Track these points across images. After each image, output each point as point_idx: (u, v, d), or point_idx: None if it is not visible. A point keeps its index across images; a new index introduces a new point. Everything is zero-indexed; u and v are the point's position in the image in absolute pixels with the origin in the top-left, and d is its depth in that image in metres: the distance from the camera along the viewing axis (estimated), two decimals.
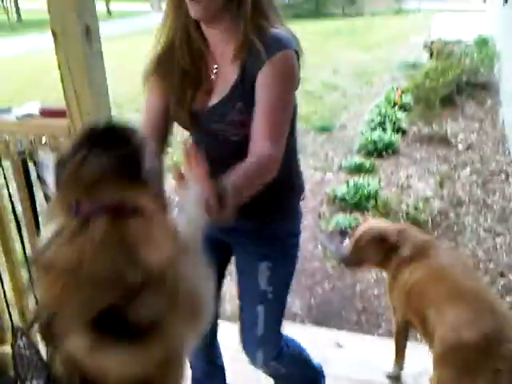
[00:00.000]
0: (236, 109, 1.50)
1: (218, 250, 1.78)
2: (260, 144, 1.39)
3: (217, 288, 1.89)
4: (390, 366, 2.49)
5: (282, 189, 1.62)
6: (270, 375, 1.99)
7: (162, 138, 1.63)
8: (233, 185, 1.23)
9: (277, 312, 1.83)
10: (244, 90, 1.49)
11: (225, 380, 2.19)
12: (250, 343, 1.85)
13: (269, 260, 1.71)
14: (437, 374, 1.96)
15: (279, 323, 1.85)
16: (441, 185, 4.85)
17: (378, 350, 2.69)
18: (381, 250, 2.37)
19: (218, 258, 1.81)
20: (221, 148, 1.57)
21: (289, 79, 1.47)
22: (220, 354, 2.15)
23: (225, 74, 1.54)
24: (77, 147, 1.04)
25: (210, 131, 1.57)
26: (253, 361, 1.87)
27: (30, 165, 1.91)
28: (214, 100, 1.54)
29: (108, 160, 1.01)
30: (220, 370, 2.16)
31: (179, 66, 1.54)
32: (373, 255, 2.43)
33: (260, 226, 1.68)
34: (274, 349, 1.86)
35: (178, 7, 1.51)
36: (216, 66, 1.55)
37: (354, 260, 2.53)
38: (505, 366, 1.76)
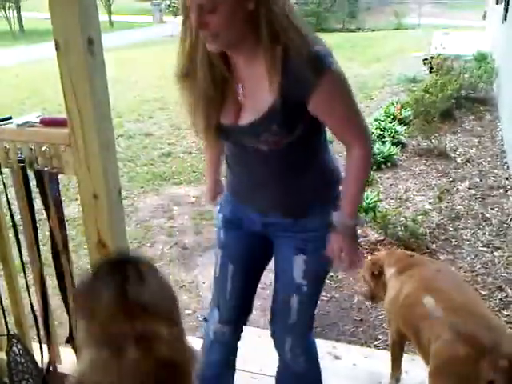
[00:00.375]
0: (271, 131, 1.53)
1: (261, 245, 1.87)
2: (354, 149, 1.61)
3: (254, 283, 1.97)
4: (386, 378, 2.48)
5: (318, 185, 1.71)
6: (287, 368, 2.00)
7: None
8: (352, 203, 1.67)
9: (309, 305, 1.89)
10: (282, 113, 1.50)
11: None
12: (280, 330, 1.92)
13: (305, 253, 1.75)
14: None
15: (311, 316, 1.93)
16: (439, 198, 4.86)
17: (375, 362, 2.68)
18: (374, 274, 2.57)
19: (260, 253, 1.91)
20: (250, 156, 1.66)
21: (345, 91, 1.55)
22: (236, 354, 2.17)
23: (254, 95, 1.54)
24: (100, 280, 1.14)
25: (239, 143, 1.65)
26: (280, 346, 1.94)
27: (30, 173, 1.93)
28: (246, 120, 1.56)
29: (131, 295, 1.10)
30: (232, 371, 2.18)
31: (202, 90, 1.55)
32: (372, 282, 2.61)
33: (297, 220, 1.73)
34: (303, 338, 1.93)
35: (195, 36, 1.50)
36: (242, 86, 1.56)
37: (369, 294, 2.70)
38: (499, 377, 1.76)
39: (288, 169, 1.66)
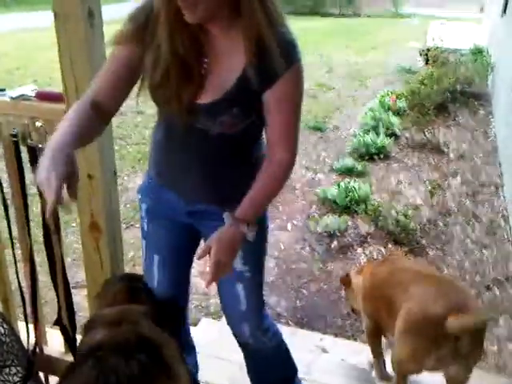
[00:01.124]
0: (231, 113, 1.46)
1: (187, 234, 1.80)
2: (279, 156, 1.52)
3: (183, 273, 1.91)
4: (372, 371, 2.47)
5: (250, 177, 1.56)
6: (255, 353, 1.98)
7: (116, 99, 1.51)
8: (254, 207, 1.54)
9: (257, 287, 1.85)
10: (245, 95, 1.44)
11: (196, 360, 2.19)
12: (234, 318, 1.89)
13: None
14: (402, 345, 2.06)
15: (261, 296, 1.90)
16: (431, 193, 4.84)
17: (363, 356, 2.66)
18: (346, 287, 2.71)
19: (186, 242, 1.83)
20: (192, 136, 1.55)
21: (301, 92, 1.49)
22: (191, 335, 2.17)
23: (219, 73, 1.45)
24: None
25: (191, 123, 1.51)
26: (239, 334, 1.91)
27: (23, 149, 1.86)
28: (206, 98, 1.46)
29: None
30: (193, 349, 2.17)
31: (172, 50, 1.40)
32: (347, 295, 2.76)
33: (222, 208, 1.60)
34: (260, 320, 1.91)
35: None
36: (206, 61, 1.46)
37: (351, 307, 2.78)
38: (464, 334, 1.91)
39: (230, 156, 1.59)
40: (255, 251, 1.75)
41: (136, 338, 1.46)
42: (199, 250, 1.61)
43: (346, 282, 2.67)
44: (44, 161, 1.22)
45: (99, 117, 1.46)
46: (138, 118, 6.90)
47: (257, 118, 1.49)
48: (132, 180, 5.13)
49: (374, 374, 2.48)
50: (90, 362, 1.35)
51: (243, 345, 1.97)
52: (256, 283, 1.84)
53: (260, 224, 1.63)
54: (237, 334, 1.93)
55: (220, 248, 1.52)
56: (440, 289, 2.09)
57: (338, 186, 4.77)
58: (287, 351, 2.07)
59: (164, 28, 1.38)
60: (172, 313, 1.80)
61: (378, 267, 2.44)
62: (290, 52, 1.42)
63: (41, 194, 1.86)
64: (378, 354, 2.47)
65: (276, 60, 1.38)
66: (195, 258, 1.66)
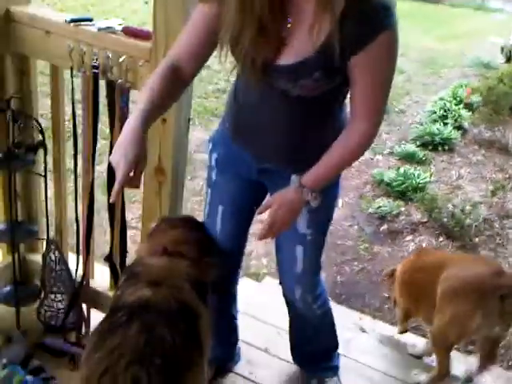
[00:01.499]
0: (313, 77, 1.39)
1: (253, 190, 1.79)
2: (359, 125, 1.46)
3: (244, 227, 1.91)
4: (414, 365, 2.43)
5: (328, 142, 1.52)
6: (301, 317, 1.98)
7: (197, 61, 1.49)
8: (322, 176, 1.51)
9: (316, 253, 1.84)
10: (329, 59, 1.34)
11: (236, 332, 2.19)
12: (289, 279, 1.88)
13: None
14: (446, 311, 2.13)
15: (318, 264, 1.88)
16: (492, 193, 4.69)
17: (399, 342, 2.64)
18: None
19: (252, 198, 1.81)
20: (271, 97, 1.50)
21: (392, 62, 1.40)
22: (236, 304, 2.15)
23: (302, 33, 1.36)
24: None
25: (269, 85, 1.46)
26: (290, 295, 1.91)
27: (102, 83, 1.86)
28: (286, 60, 1.39)
29: None
30: (233, 320, 2.16)
31: (248, 10, 1.31)
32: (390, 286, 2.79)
33: (296, 170, 1.58)
34: (313, 285, 1.90)
35: None
36: (290, 20, 1.37)
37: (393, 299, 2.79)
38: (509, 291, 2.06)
39: (308, 118, 1.54)
40: (321, 216, 1.73)
41: (179, 304, 1.47)
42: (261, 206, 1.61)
43: (391, 275, 2.69)
44: (121, 138, 1.33)
45: (180, 80, 1.46)
46: (204, 71, 6.88)
47: (342, 81, 1.43)
48: (190, 133, 5.14)
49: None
50: (135, 325, 1.36)
51: (291, 307, 1.97)
52: (316, 248, 1.82)
53: (329, 190, 1.61)
54: (287, 295, 1.93)
55: (278, 209, 1.53)
56: (476, 260, 2.48)
57: (397, 170, 4.68)
58: (333, 324, 2.06)
59: None
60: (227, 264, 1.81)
61: (414, 256, 2.61)
62: (380, 16, 1.31)
63: (112, 130, 1.89)
64: (403, 327, 2.63)
65: (365, 24, 1.30)
66: (256, 213, 1.65)
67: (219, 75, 6.82)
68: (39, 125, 2.08)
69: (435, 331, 2.19)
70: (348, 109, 1.54)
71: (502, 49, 9.22)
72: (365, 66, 1.37)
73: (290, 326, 2.08)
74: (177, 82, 1.45)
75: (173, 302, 1.45)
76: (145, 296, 1.45)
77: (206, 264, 1.64)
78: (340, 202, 4.39)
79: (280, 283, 1.94)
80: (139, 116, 1.34)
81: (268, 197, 1.77)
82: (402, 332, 2.64)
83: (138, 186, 1.35)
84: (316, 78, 1.39)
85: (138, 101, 1.39)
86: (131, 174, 1.30)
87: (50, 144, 2.13)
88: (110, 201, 1.37)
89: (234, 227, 1.87)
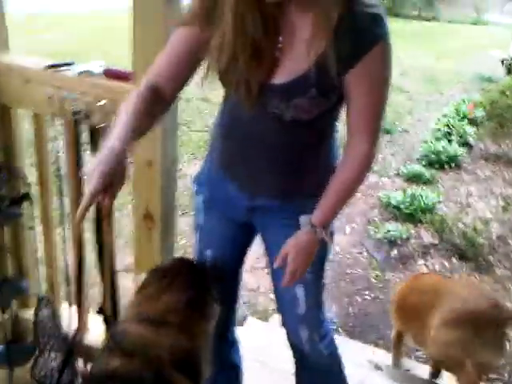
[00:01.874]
0: (307, 95, 1.33)
1: (243, 232, 1.72)
2: (359, 149, 1.41)
3: (234, 271, 1.81)
4: None
5: (316, 167, 1.50)
6: (308, 361, 1.85)
7: (177, 83, 1.43)
8: (332, 210, 1.46)
9: (316, 291, 1.75)
10: (324, 75, 1.30)
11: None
12: (292, 322, 1.78)
13: None
14: (447, 333, 2.21)
15: (320, 302, 1.79)
16: (504, 209, 4.58)
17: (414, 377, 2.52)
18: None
19: (241, 240, 1.75)
20: (267, 125, 1.44)
21: (387, 74, 1.35)
22: (238, 350, 2.02)
23: (296, 50, 1.32)
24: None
25: (262, 107, 1.39)
26: (295, 338, 1.79)
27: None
28: (280, 78, 1.34)
29: None
30: (234, 370, 2.02)
31: (240, 32, 1.28)
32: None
33: (284, 203, 1.54)
34: (318, 324, 1.79)
35: None
36: (281, 39, 1.33)
37: None
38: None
39: (303, 145, 1.48)
40: (320, 253, 1.62)
41: (153, 377, 1.33)
42: (277, 258, 1.52)
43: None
44: (98, 155, 1.24)
45: (160, 99, 1.40)
46: (204, 105, 6.86)
47: (336, 101, 1.38)
48: (191, 167, 5.10)
49: None
50: None
51: (296, 351, 1.84)
52: (317, 286, 1.74)
53: None
54: (292, 338, 1.81)
55: (296, 257, 1.48)
56: (472, 288, 2.46)
57: (404, 192, 4.58)
58: (341, 364, 1.94)
59: (232, 7, 1.26)
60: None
61: (409, 280, 2.75)
62: (374, 27, 1.27)
63: None
64: (398, 354, 2.73)
65: (359, 36, 1.26)
66: (274, 266, 1.55)
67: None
68: (24, 176, 2.02)
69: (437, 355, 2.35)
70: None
71: (503, 62, 9.18)
72: (361, 78, 1.32)
73: (297, 375, 1.95)
74: (156, 101, 1.38)
75: (145, 374, 1.32)
76: (112, 366, 1.33)
77: (198, 327, 1.49)
78: (347, 228, 4.29)
79: (283, 325, 1.82)
80: (116, 133, 1.27)
81: (257, 238, 1.72)
82: (396, 357, 2.72)
83: (110, 205, 1.23)
84: (311, 95, 1.33)
85: (116, 121, 1.32)
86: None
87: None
88: (76, 221, 1.26)
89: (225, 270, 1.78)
